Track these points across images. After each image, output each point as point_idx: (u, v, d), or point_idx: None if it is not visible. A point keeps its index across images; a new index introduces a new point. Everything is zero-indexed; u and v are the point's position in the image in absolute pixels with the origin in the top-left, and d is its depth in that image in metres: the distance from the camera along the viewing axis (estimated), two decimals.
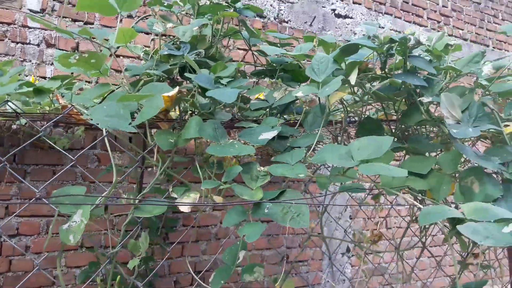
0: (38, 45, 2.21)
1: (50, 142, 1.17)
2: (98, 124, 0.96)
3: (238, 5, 1.39)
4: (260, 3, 3.15)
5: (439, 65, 1.39)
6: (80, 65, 1.09)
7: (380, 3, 3.80)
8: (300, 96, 1.24)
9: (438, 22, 4.13)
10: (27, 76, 2.16)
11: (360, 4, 3.69)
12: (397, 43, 1.27)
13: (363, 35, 1.32)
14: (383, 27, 3.79)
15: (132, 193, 1.09)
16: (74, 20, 2.33)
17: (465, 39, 4.27)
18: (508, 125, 1.37)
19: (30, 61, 2.19)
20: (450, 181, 1.26)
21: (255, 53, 1.62)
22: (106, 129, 1.08)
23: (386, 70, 1.40)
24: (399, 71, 1.35)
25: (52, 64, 2.24)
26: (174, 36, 1.60)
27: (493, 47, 4.46)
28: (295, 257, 2.89)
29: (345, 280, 3.21)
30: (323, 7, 3.49)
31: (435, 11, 4.13)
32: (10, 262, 2.02)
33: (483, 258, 1.74)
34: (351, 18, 3.62)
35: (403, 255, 1.66)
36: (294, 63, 1.49)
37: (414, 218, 1.63)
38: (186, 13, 1.55)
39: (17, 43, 2.17)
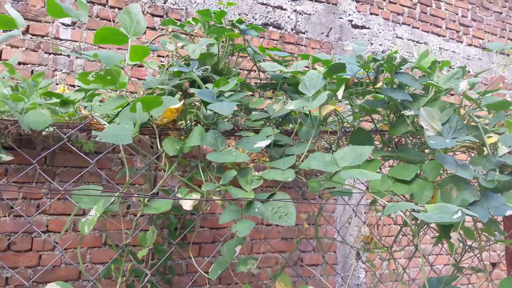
0: (68, 56, 2.43)
1: (72, 146, 1.35)
2: (101, 139, 1.10)
3: (242, 26, 1.55)
4: (278, 15, 3.31)
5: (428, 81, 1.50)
6: (98, 82, 1.25)
7: (398, 14, 3.88)
8: (293, 109, 1.38)
9: (457, 32, 4.17)
10: (58, 84, 2.38)
11: (377, 15, 3.78)
12: (384, 61, 1.39)
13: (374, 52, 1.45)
14: (401, 38, 3.88)
15: (143, 192, 1.25)
16: None
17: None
18: (491, 137, 1.46)
19: (61, 70, 2.41)
20: (432, 188, 1.36)
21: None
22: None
23: (380, 84, 1.52)
24: (388, 86, 1.47)
25: None
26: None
27: None
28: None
29: (358, 285, 3.30)
30: (340, 18, 3.61)
31: (454, 21, 4.16)
32: (40, 257, 2.22)
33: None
34: (368, 28, 3.72)
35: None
36: (293, 78, 1.63)
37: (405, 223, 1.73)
38: (196, 34, 1.72)
39: (50, 54, 2.40)
